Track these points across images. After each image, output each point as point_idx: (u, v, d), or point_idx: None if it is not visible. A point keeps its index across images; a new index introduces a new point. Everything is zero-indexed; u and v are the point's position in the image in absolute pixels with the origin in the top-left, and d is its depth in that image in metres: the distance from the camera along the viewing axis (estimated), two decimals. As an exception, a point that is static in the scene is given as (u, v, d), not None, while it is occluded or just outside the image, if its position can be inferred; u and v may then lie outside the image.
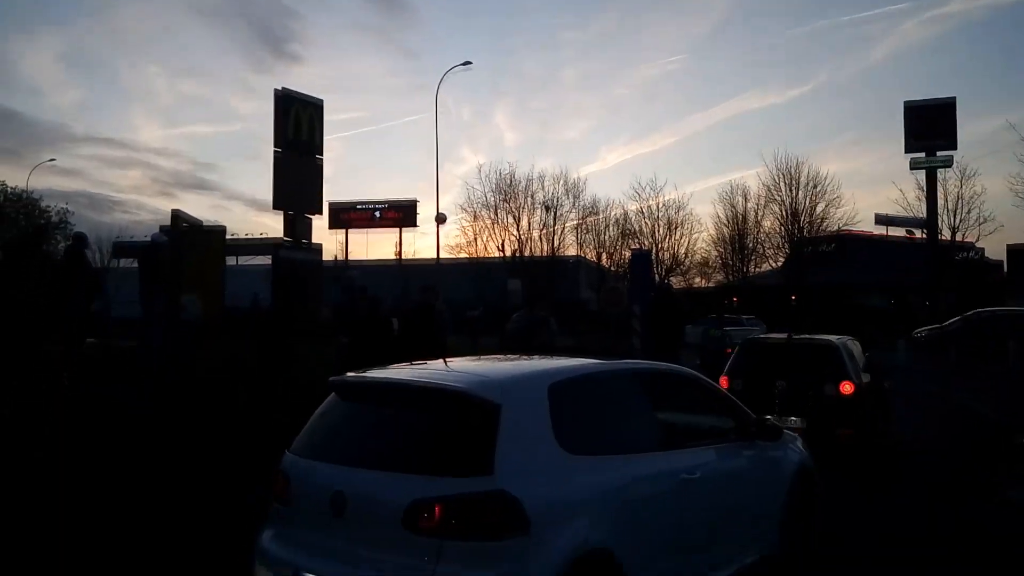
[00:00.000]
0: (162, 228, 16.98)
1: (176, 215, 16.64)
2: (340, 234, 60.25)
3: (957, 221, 44.26)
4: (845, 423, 9.22)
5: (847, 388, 9.23)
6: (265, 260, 34.15)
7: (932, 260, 42.57)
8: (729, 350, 15.75)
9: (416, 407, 3.95)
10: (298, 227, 21.43)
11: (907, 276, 52.65)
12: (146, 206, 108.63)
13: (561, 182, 51.05)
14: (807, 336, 10.72)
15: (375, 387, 4.35)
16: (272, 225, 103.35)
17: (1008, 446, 10.53)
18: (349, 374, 4.56)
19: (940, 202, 43.18)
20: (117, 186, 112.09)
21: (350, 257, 57.65)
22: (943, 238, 43.93)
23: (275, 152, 20.97)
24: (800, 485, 5.45)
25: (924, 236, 45.52)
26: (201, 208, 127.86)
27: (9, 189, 35.43)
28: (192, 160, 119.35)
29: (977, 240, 47.89)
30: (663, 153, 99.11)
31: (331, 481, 3.73)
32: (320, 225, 54.95)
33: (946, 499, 7.62)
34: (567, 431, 3.85)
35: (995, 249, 51.58)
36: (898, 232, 55.51)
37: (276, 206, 21.40)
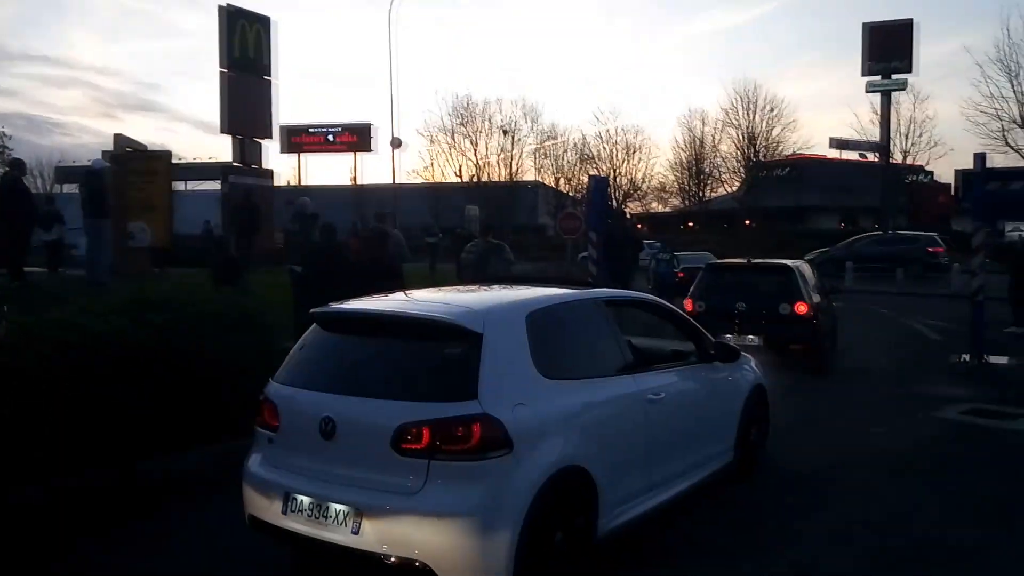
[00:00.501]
0: (104, 153, 16.32)
1: (119, 139, 16.04)
2: (293, 158, 58.79)
3: (909, 144, 44.86)
4: (798, 340, 9.80)
5: (801, 308, 9.75)
6: (216, 185, 33.25)
7: (885, 183, 43.17)
8: (681, 274, 16.11)
9: (402, 337, 4.15)
10: (249, 152, 20.82)
11: (860, 199, 53.58)
12: (88, 128, 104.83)
13: (519, 106, 50.45)
14: (764, 260, 11.17)
15: (360, 318, 4.47)
16: (222, 148, 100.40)
17: (945, 366, 10.98)
18: (331, 306, 4.59)
19: (894, 125, 43.56)
20: (57, 107, 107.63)
21: (304, 182, 56.46)
22: (895, 161, 44.46)
23: (221, 73, 20.14)
24: (754, 403, 5.91)
25: (877, 159, 46.01)
26: (147, 131, 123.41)
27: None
28: (135, 80, 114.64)
29: (928, 163, 48.78)
30: (622, 76, 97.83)
31: (320, 408, 3.87)
32: (272, 148, 53.53)
33: (887, 417, 7.94)
34: (543, 357, 4.07)
35: (945, 172, 52.59)
36: (852, 156, 56.10)
37: (225, 130, 20.68)
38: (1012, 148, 37.64)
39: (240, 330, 6.74)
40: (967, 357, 11.14)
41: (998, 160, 34.55)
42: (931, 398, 8.71)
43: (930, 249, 25.84)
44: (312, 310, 4.54)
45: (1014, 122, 37.87)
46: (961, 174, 43.09)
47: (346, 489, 3.73)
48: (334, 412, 3.81)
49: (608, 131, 50.69)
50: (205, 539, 4.81)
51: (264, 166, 22.01)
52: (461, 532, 3.54)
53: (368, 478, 3.69)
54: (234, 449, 6.34)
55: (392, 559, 3.59)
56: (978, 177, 11.09)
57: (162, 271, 16.60)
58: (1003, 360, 11.18)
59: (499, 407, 3.69)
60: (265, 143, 22.02)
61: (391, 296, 4.91)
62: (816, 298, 10.35)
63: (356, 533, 3.64)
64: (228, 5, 20.28)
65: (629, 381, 4.63)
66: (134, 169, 16.46)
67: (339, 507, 3.71)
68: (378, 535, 3.61)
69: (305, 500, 3.82)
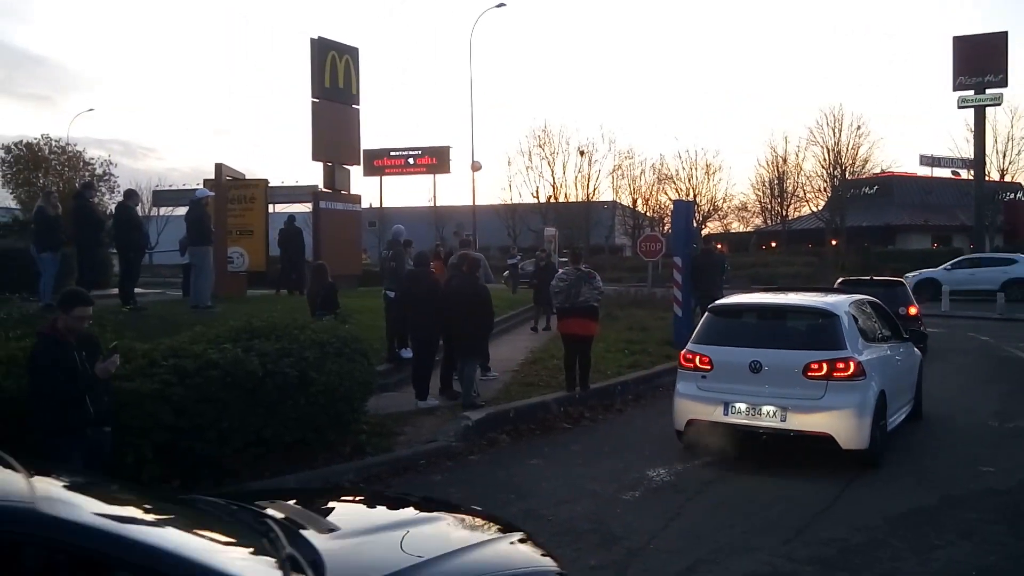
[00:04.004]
0: (206, 182, 17.17)
1: (219, 168, 16.85)
2: (373, 180, 60.08)
3: (1007, 162, 42.89)
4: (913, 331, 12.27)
5: (913, 311, 13.31)
6: (302, 207, 34.43)
7: (978, 202, 41.33)
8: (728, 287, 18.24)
9: (795, 317, 7.79)
10: (338, 178, 21.50)
11: (953, 217, 51.39)
12: (177, 152, 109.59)
13: (597, 126, 50.44)
14: (882, 277, 15.39)
15: (758, 307, 8.13)
16: (304, 169, 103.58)
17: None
18: (722, 301, 8.52)
19: (989, 142, 41.64)
20: (149, 132, 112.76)
21: (384, 204, 57.75)
22: (990, 179, 42.50)
23: (313, 103, 20.91)
24: (921, 370, 9.20)
25: (971, 177, 44.11)
26: (230, 153, 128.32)
27: (53, 142, 35.22)
28: (220, 106, 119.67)
29: (1027, 181, 46.49)
30: (701, 94, 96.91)
31: (747, 355, 7.23)
32: (355, 172, 54.81)
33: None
34: (859, 329, 7.43)
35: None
36: (944, 173, 53.99)
37: (316, 157, 21.37)
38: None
39: (342, 357, 7.07)
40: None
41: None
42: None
43: None
44: (709, 305, 8.44)
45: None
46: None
47: (773, 399, 7.02)
48: (759, 357, 7.15)
49: (687, 151, 50.12)
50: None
51: (351, 191, 22.72)
52: (849, 417, 6.86)
53: (788, 392, 7.00)
54: (332, 474, 6.66)
55: (812, 432, 6.92)
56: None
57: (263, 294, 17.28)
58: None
59: (856, 354, 7.04)
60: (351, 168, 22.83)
61: (769, 294, 9.01)
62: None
63: (783, 421, 6.99)
64: (319, 38, 21.08)
65: (884, 347, 7.98)
66: (233, 196, 17.28)
67: (769, 408, 7.04)
68: (799, 421, 6.97)
69: (742, 406, 7.15)
